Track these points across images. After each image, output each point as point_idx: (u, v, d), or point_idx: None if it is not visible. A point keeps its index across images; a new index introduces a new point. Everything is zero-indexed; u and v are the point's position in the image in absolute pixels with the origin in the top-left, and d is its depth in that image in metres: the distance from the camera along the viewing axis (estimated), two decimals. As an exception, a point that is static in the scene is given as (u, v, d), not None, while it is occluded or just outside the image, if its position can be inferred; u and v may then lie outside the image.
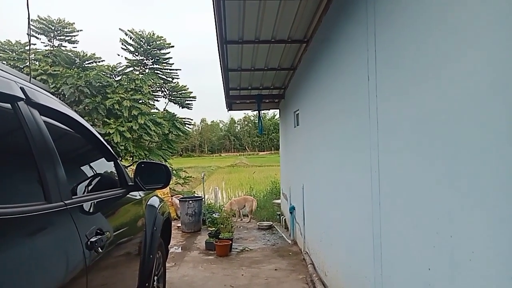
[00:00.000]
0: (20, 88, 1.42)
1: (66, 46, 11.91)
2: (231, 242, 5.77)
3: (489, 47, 1.24)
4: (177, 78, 13.03)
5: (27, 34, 3.88)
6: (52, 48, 11.50)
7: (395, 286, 2.04)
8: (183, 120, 12.88)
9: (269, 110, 10.67)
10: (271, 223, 7.80)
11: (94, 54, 11.62)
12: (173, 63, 12.79)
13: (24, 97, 1.40)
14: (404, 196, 1.92)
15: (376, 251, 2.29)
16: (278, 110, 8.77)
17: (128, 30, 11.95)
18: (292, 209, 6.12)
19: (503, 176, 1.18)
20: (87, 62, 11.39)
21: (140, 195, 2.64)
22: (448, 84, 1.48)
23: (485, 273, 1.27)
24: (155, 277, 2.79)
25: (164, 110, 12.89)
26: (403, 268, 1.94)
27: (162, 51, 12.44)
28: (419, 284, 1.74)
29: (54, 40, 11.75)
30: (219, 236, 5.86)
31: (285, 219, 7.32)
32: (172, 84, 12.94)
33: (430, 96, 1.63)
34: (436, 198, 1.59)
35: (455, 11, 1.42)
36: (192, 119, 13.67)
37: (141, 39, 12.05)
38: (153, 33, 12.29)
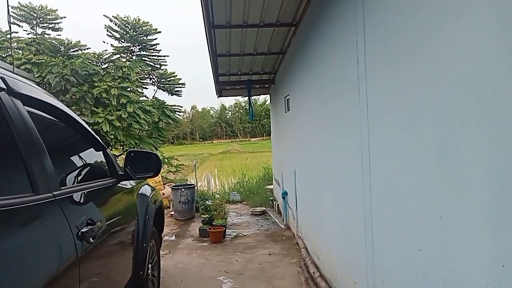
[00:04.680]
0: (1, 78, 1.37)
1: (49, 34, 11.60)
2: (224, 228, 5.81)
3: (481, 27, 1.23)
4: (165, 65, 12.85)
5: (8, 21, 3.74)
6: (35, 36, 11.19)
7: (386, 267, 2.08)
8: (173, 107, 12.75)
9: (259, 95, 10.65)
10: (264, 208, 7.87)
11: (79, 41, 11.34)
12: (160, 50, 12.58)
13: (5, 87, 1.36)
14: (394, 179, 1.94)
15: (367, 233, 2.32)
16: (268, 96, 8.72)
17: (113, 16, 11.67)
18: (284, 194, 6.16)
19: (492, 159, 1.19)
20: (72, 50, 11.11)
21: (131, 184, 2.63)
22: (438, 66, 1.47)
23: (473, 253, 1.30)
24: (150, 265, 2.80)
25: (153, 97, 12.73)
26: (394, 250, 1.98)
27: (149, 37, 12.21)
28: (410, 265, 1.78)
29: (37, 27, 11.43)
30: (213, 223, 5.89)
31: (278, 204, 7.38)
32: (161, 71, 12.75)
33: (419, 78, 1.62)
34: (425, 180, 1.60)
35: (444, -9, 1.41)
36: (182, 106, 13.56)
37: (126, 25, 11.78)
38: (138, 19, 12.02)
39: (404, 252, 1.84)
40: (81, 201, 1.74)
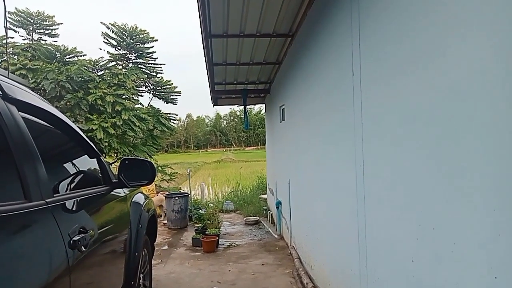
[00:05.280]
0: (-4, 83, 1.37)
1: (46, 40, 11.59)
2: (218, 238, 5.76)
3: (473, 39, 1.25)
4: (161, 73, 12.86)
5: (4, 27, 3.75)
6: (31, 42, 11.16)
7: (380, 278, 2.07)
8: (168, 115, 12.74)
9: (255, 105, 10.66)
10: (258, 218, 7.83)
11: (75, 48, 11.34)
12: (157, 58, 12.60)
13: (0, 92, 1.35)
14: (387, 190, 1.95)
15: (361, 244, 2.32)
16: (264, 105, 8.76)
17: (110, 24, 11.69)
18: (278, 204, 6.14)
19: (485, 170, 1.20)
20: (68, 57, 11.10)
21: (124, 192, 2.61)
22: (432, 77, 1.50)
23: (467, 264, 1.30)
24: (141, 275, 2.77)
25: (148, 105, 12.72)
26: (387, 261, 1.98)
27: (146, 45, 12.23)
28: (403, 276, 1.78)
29: (33, 33, 11.41)
30: (206, 232, 5.85)
31: (271, 214, 7.35)
32: (156, 79, 12.76)
33: (414, 89, 1.65)
34: (418, 191, 1.62)
35: (437, 3, 1.44)
36: (177, 115, 13.53)
37: (123, 32, 11.80)
38: (135, 27, 12.06)
39: (398, 263, 1.84)
40: (74, 209, 1.72)
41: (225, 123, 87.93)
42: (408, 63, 1.69)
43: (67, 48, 11.17)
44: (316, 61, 3.42)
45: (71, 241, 1.45)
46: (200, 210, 7.54)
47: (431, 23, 1.49)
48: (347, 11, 2.44)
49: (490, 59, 1.17)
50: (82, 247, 1.54)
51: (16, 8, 11.14)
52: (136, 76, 11.63)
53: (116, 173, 2.40)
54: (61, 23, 11.80)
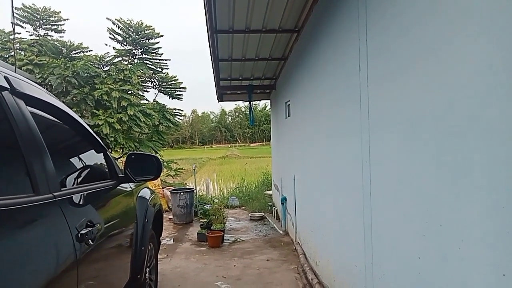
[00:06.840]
0: (4, 77, 1.37)
1: (52, 36, 11.64)
2: (223, 233, 5.79)
3: (482, 35, 1.24)
4: (167, 69, 12.88)
5: (11, 22, 3.78)
6: (37, 38, 11.22)
7: (386, 275, 2.07)
8: (173, 111, 12.77)
9: (260, 101, 10.64)
10: (263, 214, 7.84)
11: (81, 43, 11.40)
12: (162, 53, 12.61)
13: (8, 86, 1.36)
14: (394, 186, 1.93)
15: (366, 240, 2.32)
16: (269, 101, 8.74)
17: (116, 19, 11.71)
18: (283, 200, 6.15)
19: (491, 167, 1.19)
20: (74, 52, 11.17)
21: (130, 187, 2.62)
22: (438, 73, 1.48)
23: (474, 261, 1.29)
24: (147, 269, 2.79)
25: (154, 101, 12.75)
26: (393, 257, 1.97)
27: (151, 41, 12.24)
28: (410, 273, 1.77)
29: (40, 29, 11.47)
30: (211, 228, 5.87)
31: (276, 210, 7.36)
32: (162, 75, 12.78)
33: (421, 86, 1.63)
34: (425, 188, 1.60)
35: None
36: (182, 110, 13.56)
37: (129, 28, 11.82)
38: (141, 23, 12.07)
39: (404, 260, 1.84)
40: (81, 202, 1.73)
41: (230, 119, 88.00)
42: (415, 59, 1.67)
43: (73, 44, 11.23)
44: (322, 56, 3.39)
45: (79, 235, 1.47)
46: (206, 206, 7.57)
47: (438, 19, 1.47)
48: (354, 5, 2.41)
49: (499, 56, 1.15)
50: (90, 240, 1.55)
51: (23, 4, 11.22)
52: (141, 71, 11.66)
53: (123, 168, 2.41)
54: (67, 19, 11.84)
